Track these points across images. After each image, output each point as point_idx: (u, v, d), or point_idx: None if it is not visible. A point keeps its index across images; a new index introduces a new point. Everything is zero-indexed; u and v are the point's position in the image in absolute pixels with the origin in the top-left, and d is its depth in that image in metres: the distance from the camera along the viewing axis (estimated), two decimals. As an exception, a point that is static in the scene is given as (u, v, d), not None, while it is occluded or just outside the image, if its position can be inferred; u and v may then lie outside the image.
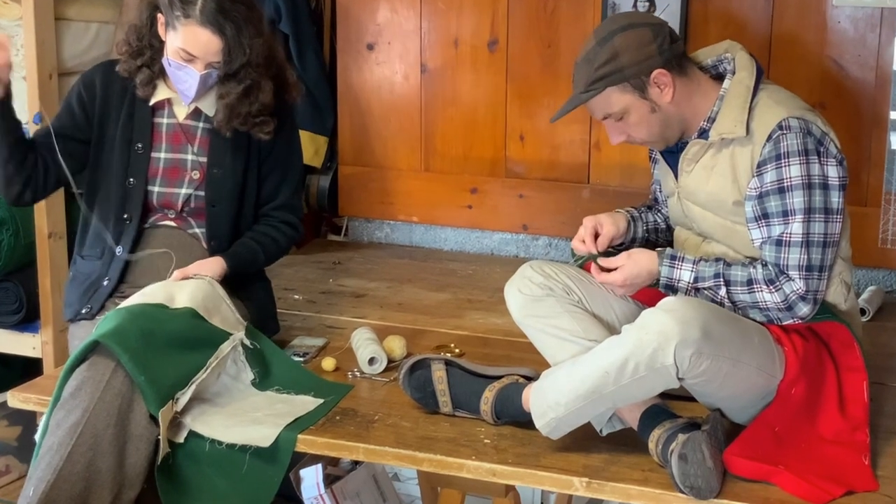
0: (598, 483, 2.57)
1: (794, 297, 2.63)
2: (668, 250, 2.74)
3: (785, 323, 2.67)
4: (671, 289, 2.71)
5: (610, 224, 2.94)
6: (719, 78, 2.80)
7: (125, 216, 3.19)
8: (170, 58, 3.07)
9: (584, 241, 2.89)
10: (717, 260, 2.70)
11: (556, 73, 4.22)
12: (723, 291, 2.66)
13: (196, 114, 3.23)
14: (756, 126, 2.67)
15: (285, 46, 4.36)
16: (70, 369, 2.78)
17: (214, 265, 3.14)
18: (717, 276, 2.67)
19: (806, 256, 2.62)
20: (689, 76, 2.73)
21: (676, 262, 2.71)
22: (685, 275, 2.69)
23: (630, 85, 2.69)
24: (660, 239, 3.07)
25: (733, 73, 2.75)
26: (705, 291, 2.68)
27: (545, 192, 4.36)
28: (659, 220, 3.06)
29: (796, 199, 2.62)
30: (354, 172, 4.62)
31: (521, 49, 4.29)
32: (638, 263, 2.74)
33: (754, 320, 2.68)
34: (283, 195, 3.34)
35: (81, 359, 2.78)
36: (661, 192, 3.06)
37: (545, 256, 4.43)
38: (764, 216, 2.66)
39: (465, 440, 2.76)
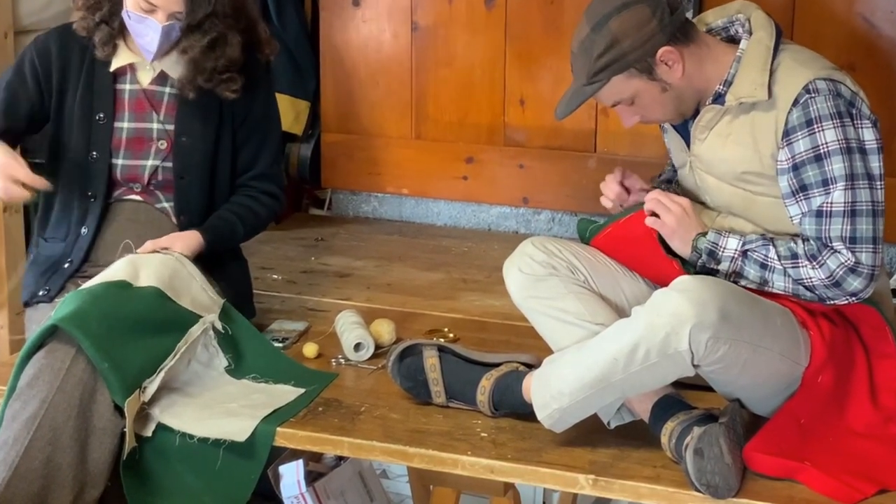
0: (606, 480, 2.57)
1: (841, 272, 2.59)
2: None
3: (838, 302, 2.63)
4: (713, 256, 2.67)
5: (639, 180, 2.93)
6: (730, 41, 2.78)
7: (89, 193, 3.18)
8: (129, 9, 3.04)
9: (617, 185, 2.87)
10: (763, 235, 2.69)
11: (559, 31, 4.20)
12: (772, 253, 2.62)
13: (161, 78, 3.20)
14: (779, 90, 2.65)
15: (263, 2, 4.34)
16: (26, 356, 2.77)
17: (189, 239, 3.12)
18: (765, 240, 2.64)
19: (850, 227, 2.59)
20: (696, 44, 2.72)
21: (724, 232, 2.69)
22: (732, 242, 2.66)
23: (636, 69, 2.67)
24: None
25: (750, 33, 2.73)
26: (753, 255, 2.64)
27: (548, 162, 4.35)
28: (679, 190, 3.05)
29: (836, 166, 2.59)
30: (339, 140, 4.61)
31: (521, 5, 4.28)
32: (693, 210, 2.73)
33: (804, 299, 2.66)
34: (262, 163, 3.33)
35: (39, 345, 2.77)
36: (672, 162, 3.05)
37: (548, 232, 4.43)
38: (802, 189, 2.63)
39: (460, 434, 2.76)
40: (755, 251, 2.65)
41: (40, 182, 2.96)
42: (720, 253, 2.68)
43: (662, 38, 2.65)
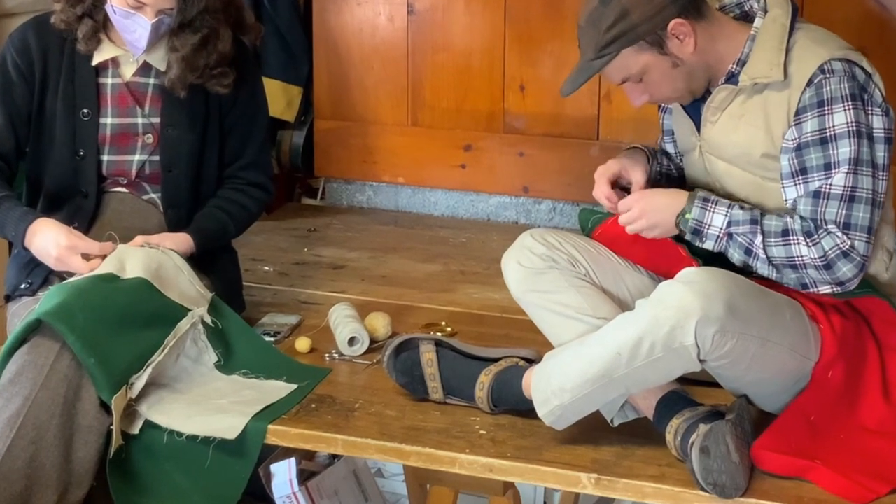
0: (609, 479, 2.57)
1: (834, 254, 2.58)
2: (701, 192, 2.71)
3: (822, 290, 2.62)
4: (699, 234, 2.67)
5: (639, 171, 2.87)
6: (744, 19, 2.77)
7: (83, 191, 3.17)
8: (115, 5, 3.00)
9: (607, 188, 2.83)
10: (753, 207, 2.67)
11: (560, 14, 4.20)
12: (758, 240, 2.62)
13: (145, 70, 3.17)
14: (794, 70, 2.64)
15: (254, -16, 4.34)
16: (9, 352, 2.76)
17: (180, 241, 3.11)
18: (753, 221, 2.63)
19: (847, 212, 2.58)
20: (708, 20, 2.71)
21: (709, 205, 2.67)
22: (717, 219, 2.65)
23: (646, 42, 2.66)
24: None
25: (765, 11, 2.72)
26: (738, 238, 2.64)
27: (548, 150, 4.34)
28: (672, 167, 3.02)
29: (841, 150, 2.58)
30: (332, 127, 4.60)
31: (521, -13, 4.27)
32: (657, 193, 2.72)
33: (788, 286, 2.65)
34: (250, 153, 3.32)
35: (22, 340, 2.76)
36: (667, 144, 3.02)
37: (548, 223, 4.42)
38: (802, 171, 2.62)
39: (458, 431, 2.75)
40: (741, 235, 2.64)
41: (108, 249, 2.98)
42: (705, 230, 2.67)
43: (673, 10, 2.63)
